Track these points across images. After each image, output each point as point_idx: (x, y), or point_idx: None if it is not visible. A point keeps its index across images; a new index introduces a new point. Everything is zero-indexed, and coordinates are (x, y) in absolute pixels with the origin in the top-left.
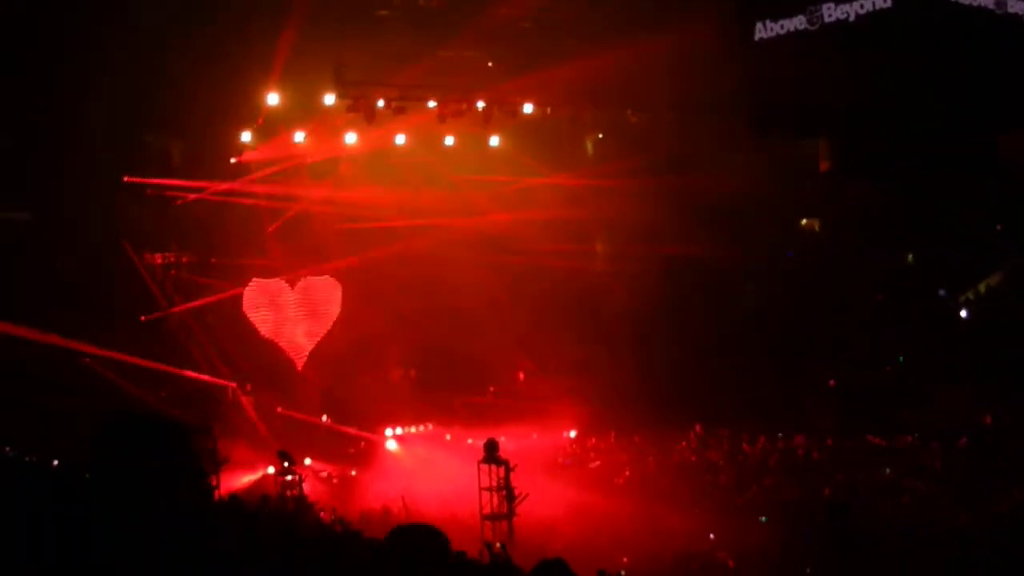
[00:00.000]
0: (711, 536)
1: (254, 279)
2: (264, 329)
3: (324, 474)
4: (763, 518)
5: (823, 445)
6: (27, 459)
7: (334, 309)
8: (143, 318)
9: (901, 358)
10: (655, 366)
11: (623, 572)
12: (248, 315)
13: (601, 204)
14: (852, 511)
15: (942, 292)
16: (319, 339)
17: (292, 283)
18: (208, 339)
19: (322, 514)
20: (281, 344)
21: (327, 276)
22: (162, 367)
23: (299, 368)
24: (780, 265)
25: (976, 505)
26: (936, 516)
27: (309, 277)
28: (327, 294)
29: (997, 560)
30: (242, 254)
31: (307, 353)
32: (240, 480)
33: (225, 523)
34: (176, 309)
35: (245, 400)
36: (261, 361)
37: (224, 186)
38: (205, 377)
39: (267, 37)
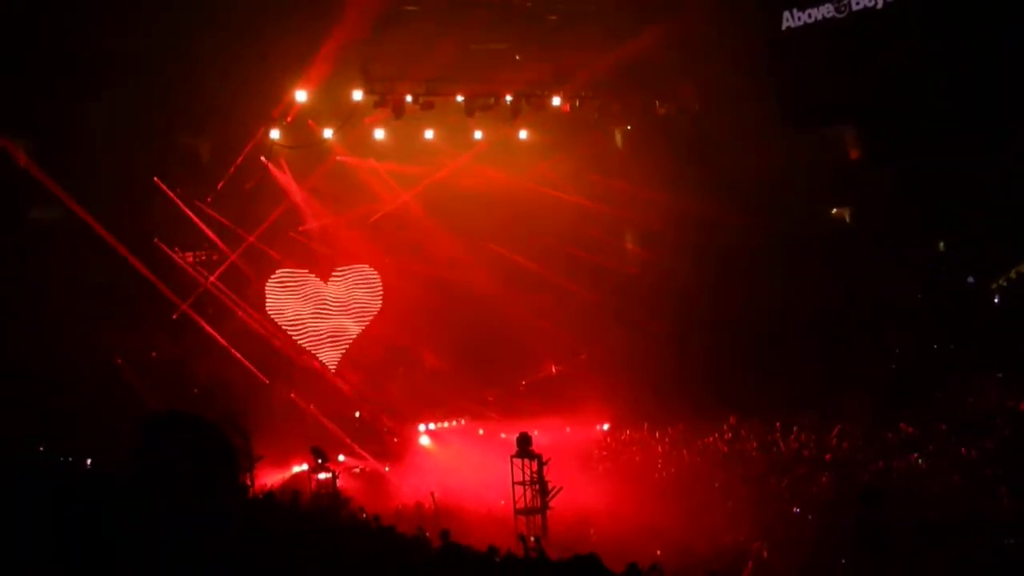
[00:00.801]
0: (745, 528)
1: (278, 271)
2: (289, 325)
3: (357, 470)
4: (796, 508)
5: (857, 434)
6: (61, 458)
7: (374, 303)
8: (175, 316)
9: (935, 346)
10: (687, 357)
11: (657, 565)
12: (270, 311)
13: (632, 194)
14: (886, 500)
15: (971, 279)
16: (357, 334)
17: (324, 277)
18: (239, 336)
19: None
20: (308, 341)
21: (365, 267)
22: (193, 364)
23: (332, 367)
24: (810, 254)
25: (1009, 495)
26: (969, 506)
27: (345, 269)
28: (366, 288)
29: None
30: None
31: (343, 348)
32: (274, 477)
33: (258, 519)
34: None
35: (278, 397)
36: (291, 357)
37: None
38: (237, 372)
39: (295, 34)
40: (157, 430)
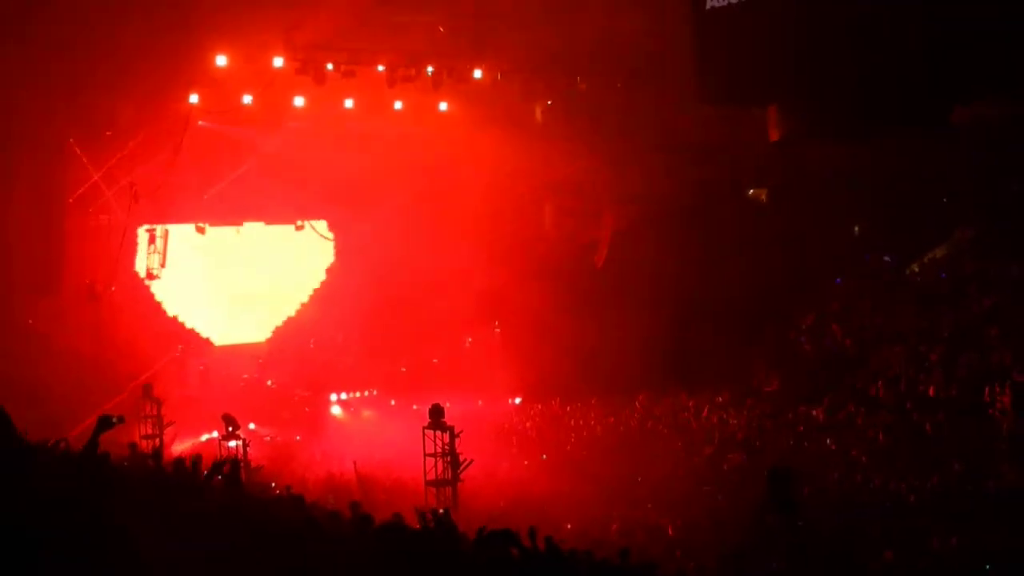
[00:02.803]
0: (648, 505)
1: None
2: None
3: (268, 439)
4: (706, 487)
5: (767, 414)
6: None
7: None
8: (87, 283)
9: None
10: (601, 333)
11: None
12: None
13: (551, 168)
14: (794, 480)
15: (887, 258)
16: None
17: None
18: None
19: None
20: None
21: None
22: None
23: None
24: (726, 234)
25: (917, 476)
26: (878, 487)
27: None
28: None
29: (939, 530)
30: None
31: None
32: (183, 445)
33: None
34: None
35: (190, 363)
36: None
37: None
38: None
39: None
40: None
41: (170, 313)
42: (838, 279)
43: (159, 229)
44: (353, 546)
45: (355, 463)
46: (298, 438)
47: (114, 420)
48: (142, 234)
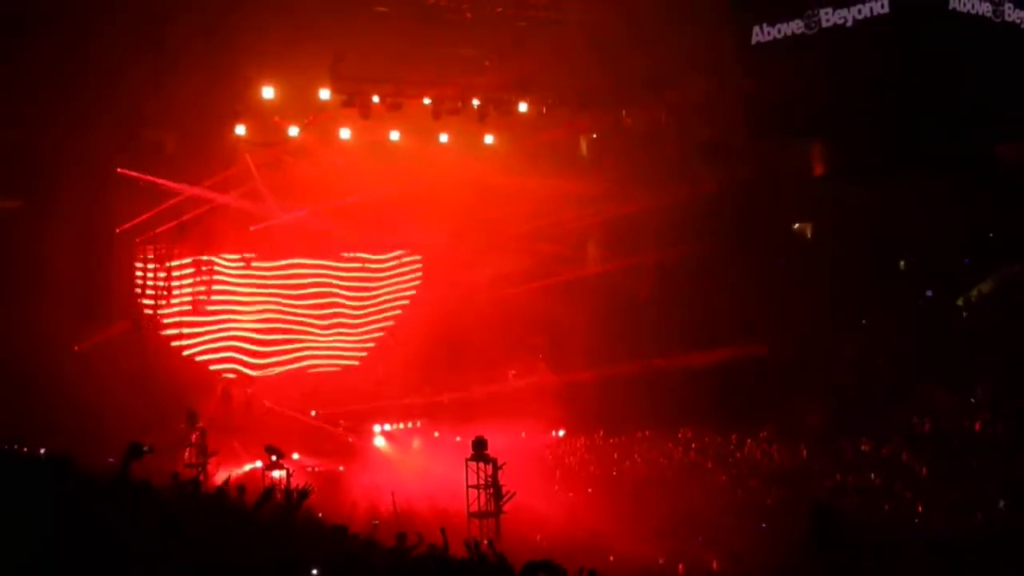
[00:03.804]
0: (699, 539)
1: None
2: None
3: (311, 469)
4: (750, 521)
5: (812, 448)
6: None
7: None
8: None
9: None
10: (646, 367)
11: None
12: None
13: (596, 201)
14: (837, 515)
15: (929, 293)
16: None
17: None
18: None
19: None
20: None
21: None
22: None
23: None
24: (772, 269)
25: (961, 513)
26: (921, 523)
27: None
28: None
29: (982, 568)
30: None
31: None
32: (226, 474)
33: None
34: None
35: (235, 394)
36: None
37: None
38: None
39: (264, 30)
40: None
41: (214, 343)
42: (885, 314)
43: (205, 259)
44: None
45: (393, 494)
46: (341, 469)
47: (145, 449)
48: (188, 265)
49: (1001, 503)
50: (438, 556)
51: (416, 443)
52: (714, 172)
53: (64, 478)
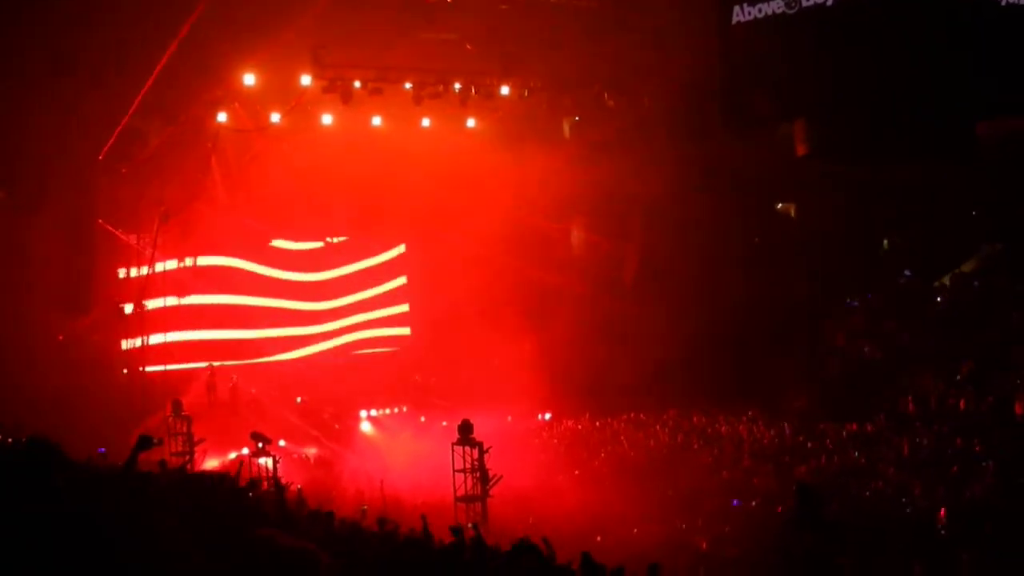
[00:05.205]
0: (686, 519)
1: None
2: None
3: (297, 456)
4: (737, 501)
5: (797, 429)
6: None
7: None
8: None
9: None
10: (630, 348)
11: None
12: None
13: (581, 184)
14: (823, 495)
15: (907, 272)
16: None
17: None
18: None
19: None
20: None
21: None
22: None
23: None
24: (756, 249)
25: (947, 490)
26: (906, 502)
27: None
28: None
29: (968, 545)
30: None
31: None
32: (214, 461)
33: None
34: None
35: (220, 382)
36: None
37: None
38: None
39: (245, 17)
40: None
41: (199, 331)
42: (868, 294)
43: (189, 247)
44: (379, 560)
45: (382, 481)
46: (328, 454)
47: (155, 441)
48: (172, 252)
49: (986, 480)
50: (419, 541)
51: (397, 431)
52: (697, 153)
53: (49, 465)
